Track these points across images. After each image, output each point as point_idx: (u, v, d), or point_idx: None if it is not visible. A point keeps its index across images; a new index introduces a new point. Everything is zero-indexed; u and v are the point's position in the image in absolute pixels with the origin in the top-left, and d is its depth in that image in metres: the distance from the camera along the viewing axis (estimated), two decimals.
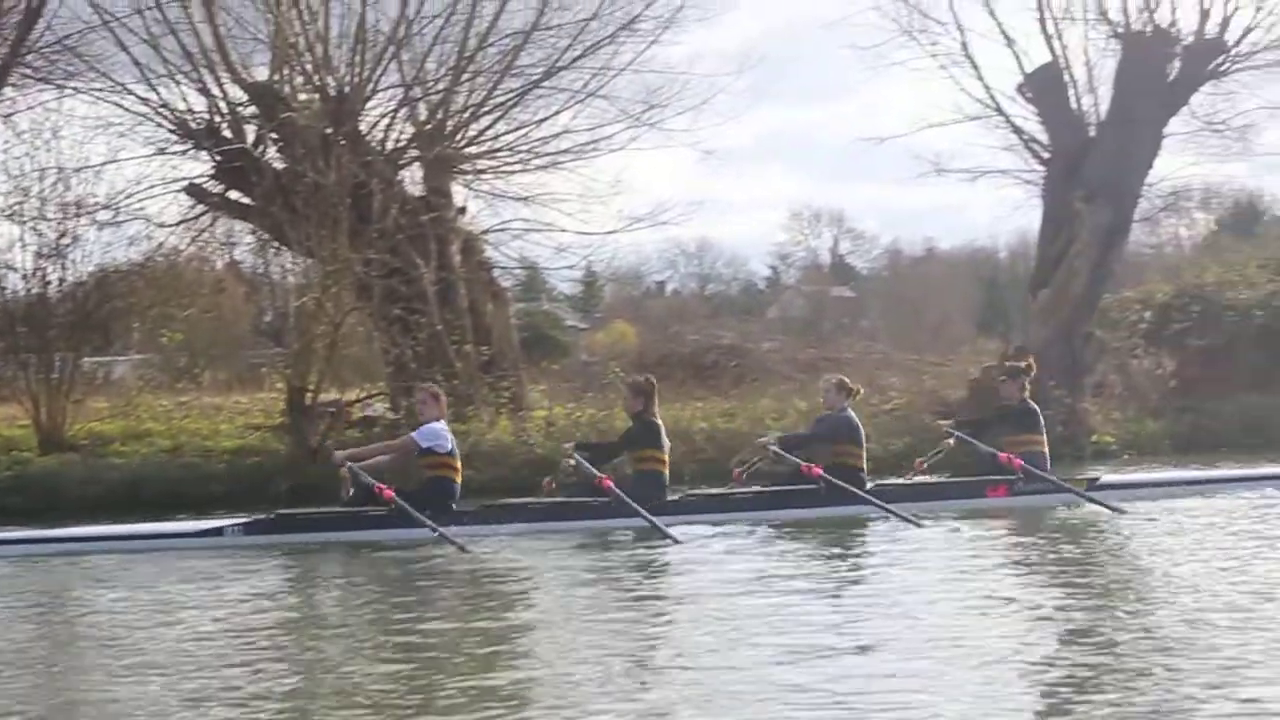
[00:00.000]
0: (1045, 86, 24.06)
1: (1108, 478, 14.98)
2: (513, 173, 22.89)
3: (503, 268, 23.73)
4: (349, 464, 12.61)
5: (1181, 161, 25.52)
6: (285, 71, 20.48)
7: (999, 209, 33.12)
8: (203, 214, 21.21)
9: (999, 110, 24.65)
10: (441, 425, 13.03)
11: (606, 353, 30.08)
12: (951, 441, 14.50)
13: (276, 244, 21.16)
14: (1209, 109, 24.80)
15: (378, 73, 21.28)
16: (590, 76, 22.12)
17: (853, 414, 13.80)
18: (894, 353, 27.40)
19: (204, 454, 18.91)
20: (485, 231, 22.95)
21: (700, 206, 46.35)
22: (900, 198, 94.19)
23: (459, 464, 13.05)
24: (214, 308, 23.54)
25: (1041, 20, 24.19)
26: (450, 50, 21.56)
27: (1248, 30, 23.88)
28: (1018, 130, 24.63)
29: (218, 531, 12.75)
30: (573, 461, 13.17)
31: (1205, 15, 23.76)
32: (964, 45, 24.47)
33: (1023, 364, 15.14)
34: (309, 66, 20.73)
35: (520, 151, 22.68)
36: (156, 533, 13.16)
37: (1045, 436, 14.25)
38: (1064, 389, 21.56)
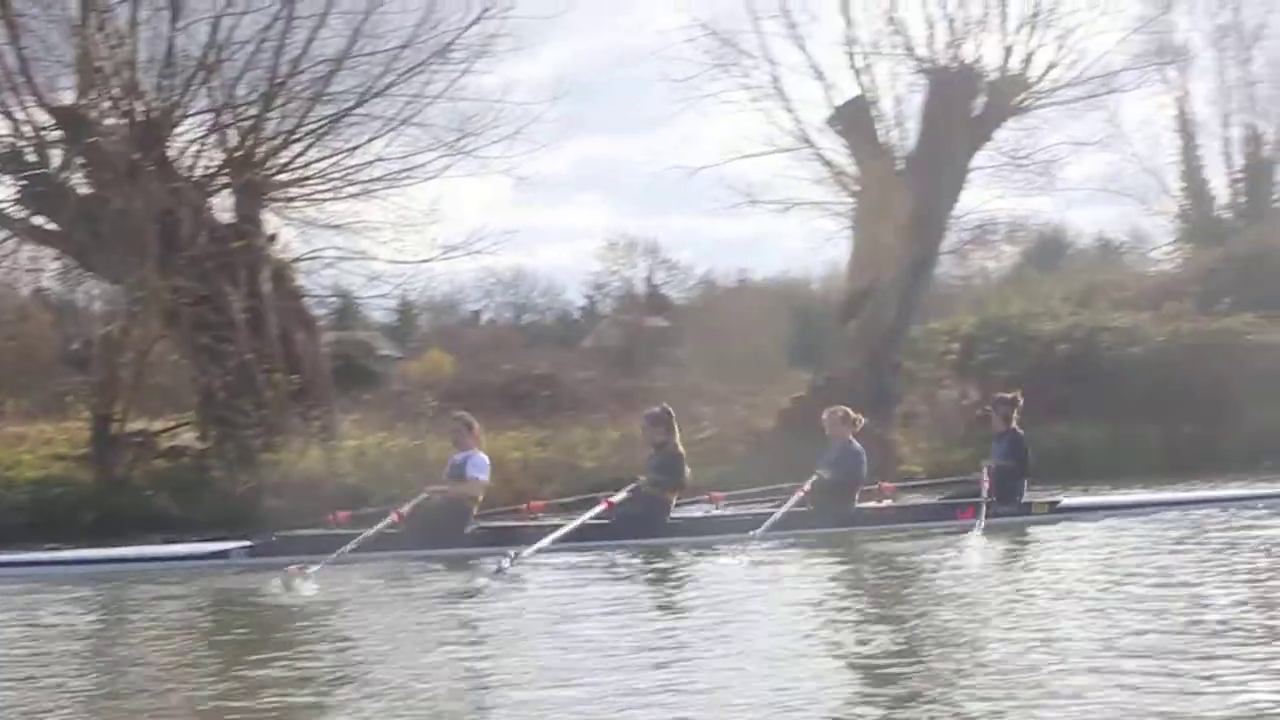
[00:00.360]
0: (854, 120, 24.81)
1: (1069, 500, 15.50)
2: (325, 200, 22.75)
3: (315, 296, 23.71)
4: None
5: (987, 195, 26.50)
6: (92, 95, 20.27)
7: (811, 240, 34.11)
8: (6, 239, 20.84)
9: (809, 143, 25.33)
10: (485, 456, 13.55)
11: (420, 382, 30.21)
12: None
13: (83, 270, 20.92)
14: (1013, 144, 25.78)
15: (187, 98, 21.05)
16: (404, 104, 22.18)
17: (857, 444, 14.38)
18: (706, 383, 28.01)
19: (6, 485, 18.64)
20: (297, 260, 22.85)
21: (516, 235, 46.38)
22: (715, 228, 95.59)
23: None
24: (18, 335, 23.14)
25: (850, 55, 25.01)
26: (261, 76, 21.44)
27: (1050, 67, 25.03)
28: (827, 163, 25.36)
29: (224, 554, 13.11)
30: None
31: (1009, 52, 24.82)
32: (775, 79, 25.23)
33: (1009, 395, 15.72)
34: (116, 91, 20.53)
35: (333, 179, 22.60)
36: (166, 555, 13.57)
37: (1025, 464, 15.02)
38: (872, 419, 22.26)
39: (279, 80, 21.39)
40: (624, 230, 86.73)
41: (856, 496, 14.33)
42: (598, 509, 13.18)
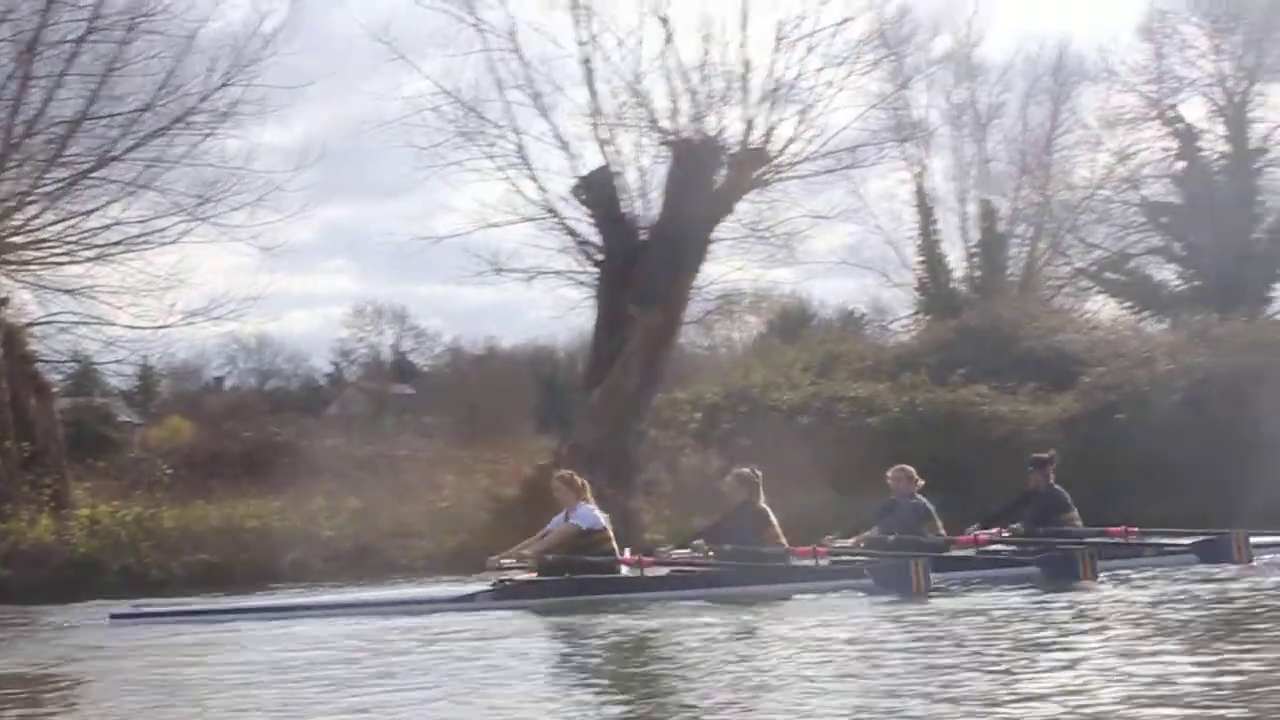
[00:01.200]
0: (598, 190, 25.67)
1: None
2: (60, 264, 22.83)
3: (49, 361, 23.65)
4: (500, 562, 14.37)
5: (730, 266, 27.62)
6: None
7: (556, 309, 35.03)
8: None
9: (554, 212, 26.07)
10: (591, 506, 14.67)
11: (159, 449, 30.08)
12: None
13: None
14: (755, 216, 26.72)
15: None
16: (143, 168, 22.43)
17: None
18: (450, 450, 28.54)
19: None
20: (30, 324, 22.84)
21: (260, 302, 46.36)
22: (463, 296, 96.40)
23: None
24: None
25: (594, 126, 25.92)
26: None
27: (790, 141, 26.02)
28: (572, 232, 26.11)
29: (470, 597, 14.11)
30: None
31: (750, 126, 25.81)
32: (520, 148, 25.92)
33: (1046, 454, 17.04)
34: None
35: (68, 242, 22.64)
36: (416, 599, 14.67)
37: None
38: (616, 487, 23.09)
39: (13, 141, 21.44)
40: (372, 297, 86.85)
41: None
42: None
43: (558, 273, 26.77)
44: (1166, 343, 29.74)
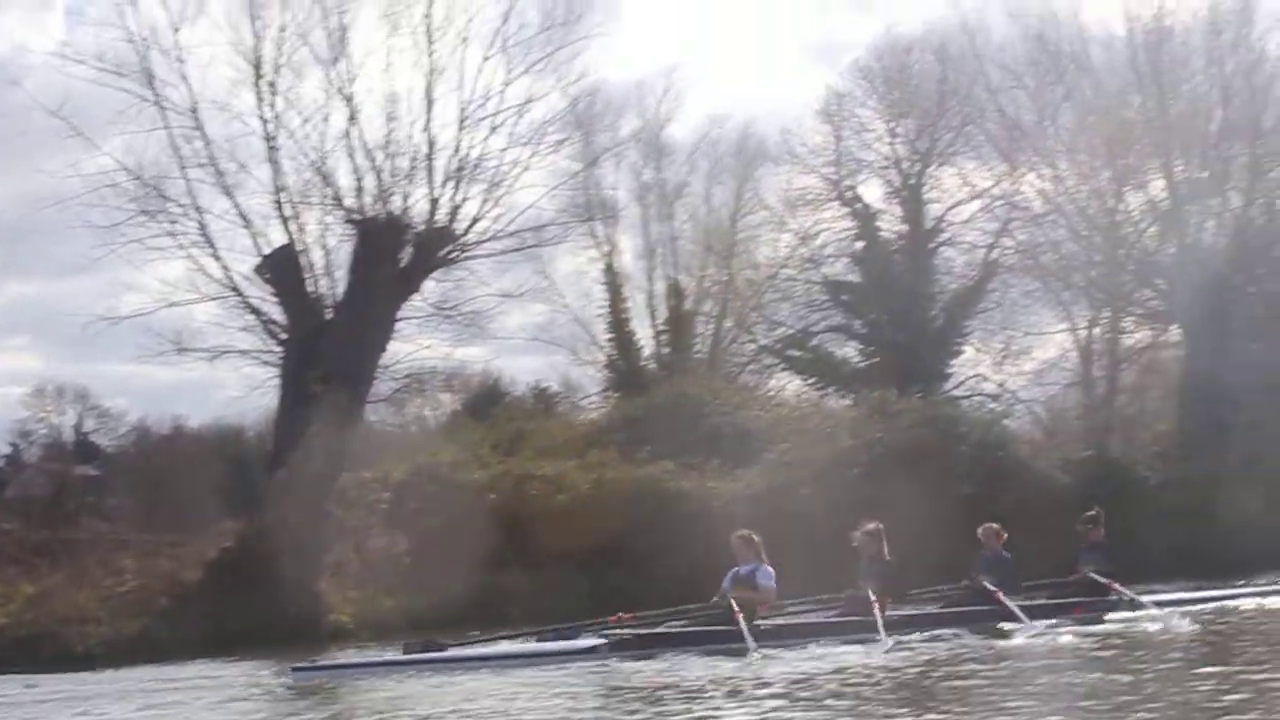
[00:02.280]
0: (282, 269, 26.05)
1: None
2: None
3: None
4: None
5: (417, 344, 28.16)
6: None
7: (243, 388, 34.72)
8: None
9: (238, 291, 26.31)
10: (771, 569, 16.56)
11: None
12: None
13: None
14: (442, 295, 27.55)
15: None
16: None
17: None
18: (133, 533, 28.20)
19: None
20: None
21: None
22: (149, 375, 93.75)
23: None
24: None
25: (278, 204, 26.34)
26: None
27: (475, 220, 26.98)
28: (256, 311, 26.37)
29: (592, 649, 15.34)
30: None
31: (435, 204, 26.62)
32: (202, 226, 26.21)
33: (1093, 512, 19.24)
34: None
35: None
36: (537, 652, 15.76)
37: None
38: (302, 568, 23.34)
39: None
40: (55, 376, 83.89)
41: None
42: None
43: (242, 352, 26.99)
44: (847, 419, 31.50)
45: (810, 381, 42.72)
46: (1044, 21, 34.74)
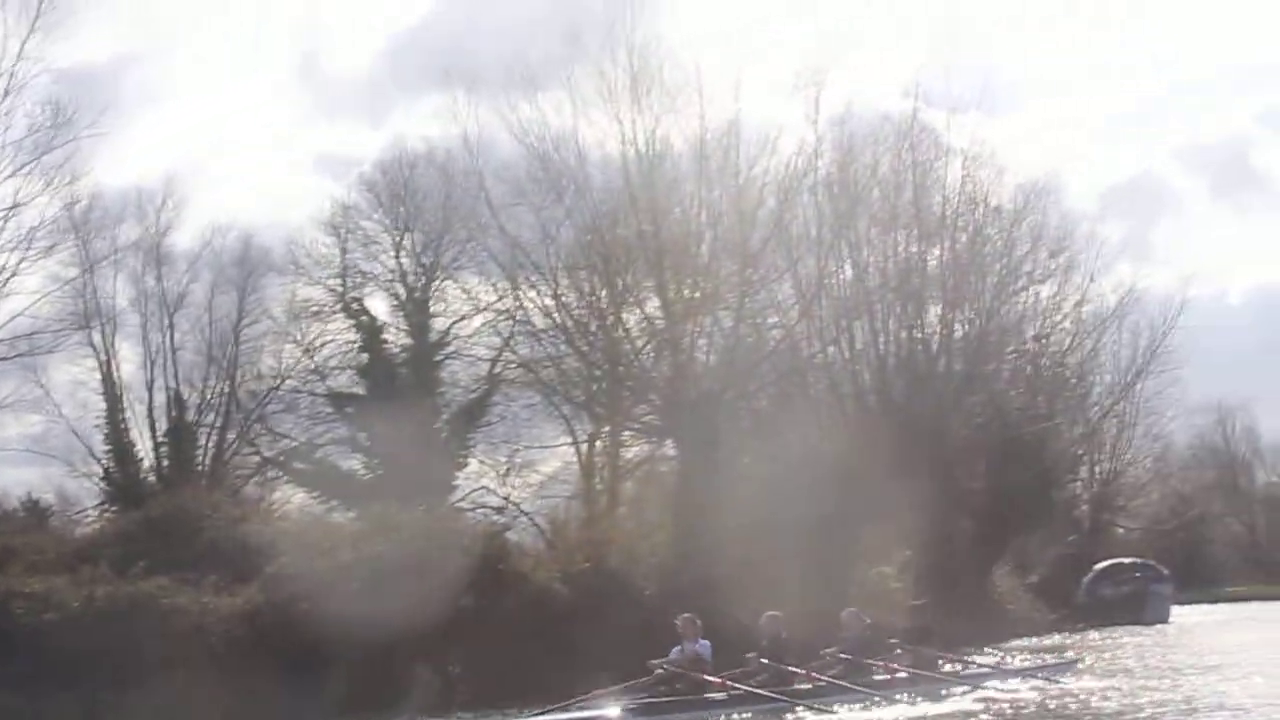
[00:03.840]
0: None
1: None
2: None
3: None
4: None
5: None
6: None
7: None
8: None
9: None
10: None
11: None
12: None
13: None
14: None
15: None
16: None
17: None
18: None
19: None
20: None
21: None
22: None
23: None
24: None
25: None
26: None
27: None
28: None
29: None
30: None
31: None
32: None
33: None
34: None
35: None
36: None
37: None
38: None
39: None
40: None
41: None
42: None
43: None
44: (350, 532, 31.85)
45: (315, 495, 42.90)
46: (545, 141, 36.23)
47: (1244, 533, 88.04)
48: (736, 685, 21.01)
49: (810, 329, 41.76)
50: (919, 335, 45.23)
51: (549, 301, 37.03)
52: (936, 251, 45.78)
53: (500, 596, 29.11)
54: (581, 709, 20.12)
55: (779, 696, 20.72)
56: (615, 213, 37.35)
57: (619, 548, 36.00)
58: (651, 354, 38.51)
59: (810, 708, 20.58)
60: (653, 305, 37.86)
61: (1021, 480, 47.70)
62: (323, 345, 43.64)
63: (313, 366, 43.56)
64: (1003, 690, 22.98)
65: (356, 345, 43.73)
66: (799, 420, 40.17)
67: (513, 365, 41.06)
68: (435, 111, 38.13)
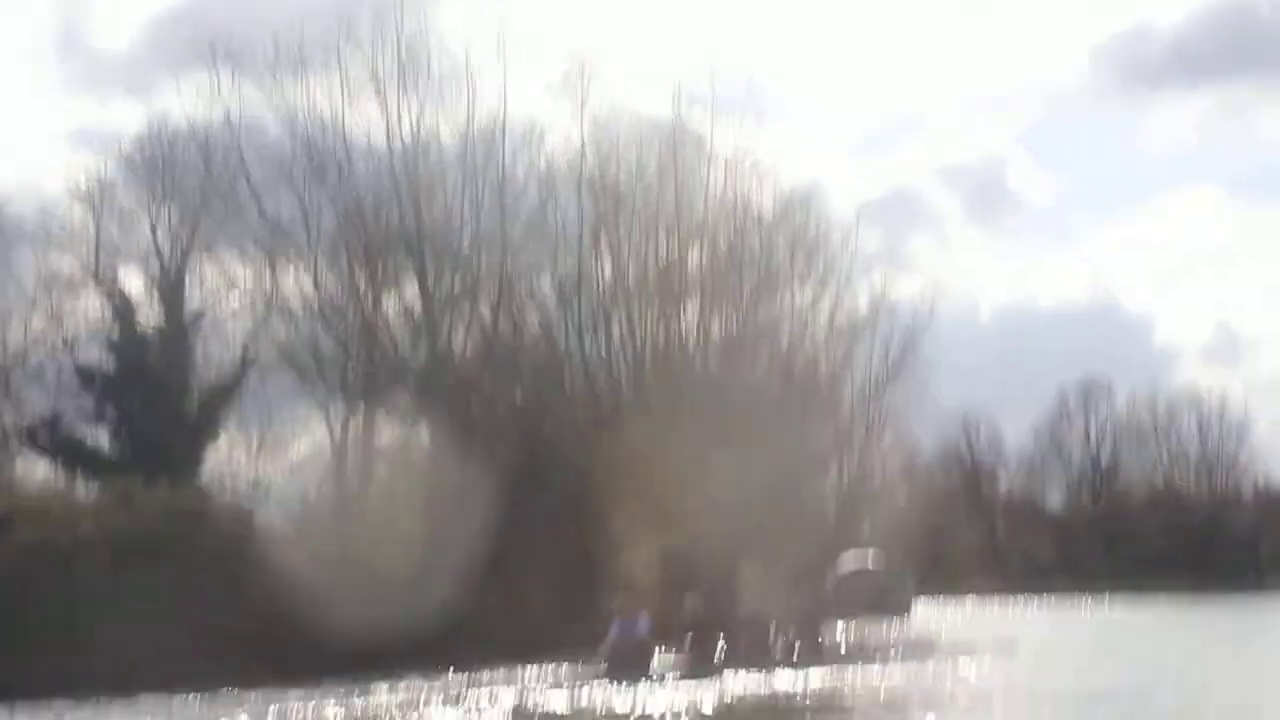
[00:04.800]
0: None
1: None
2: None
3: None
4: None
5: None
6: None
7: None
8: None
9: None
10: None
11: None
12: None
13: None
14: None
15: None
16: None
17: None
18: None
19: None
20: None
21: None
22: None
23: None
24: None
25: None
26: None
27: None
28: None
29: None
30: None
31: None
32: None
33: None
34: None
35: None
36: None
37: None
38: None
39: None
40: None
41: None
42: None
43: None
44: (90, 507, 31.86)
45: (59, 468, 42.38)
46: (310, 125, 36.53)
47: (984, 537, 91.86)
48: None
49: (568, 323, 42.76)
50: (677, 334, 46.51)
51: (307, 284, 37.36)
52: (696, 253, 47.09)
53: (247, 575, 29.40)
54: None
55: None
56: (378, 200, 37.85)
57: (369, 531, 36.50)
58: (409, 341, 39.09)
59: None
60: (412, 293, 38.46)
61: (774, 478, 49.18)
62: (73, 317, 43.10)
63: (62, 339, 42.99)
64: None
65: (108, 319, 43.28)
66: (554, 410, 41.05)
67: (268, 346, 41.16)
68: (199, 89, 37.73)
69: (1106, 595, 72.55)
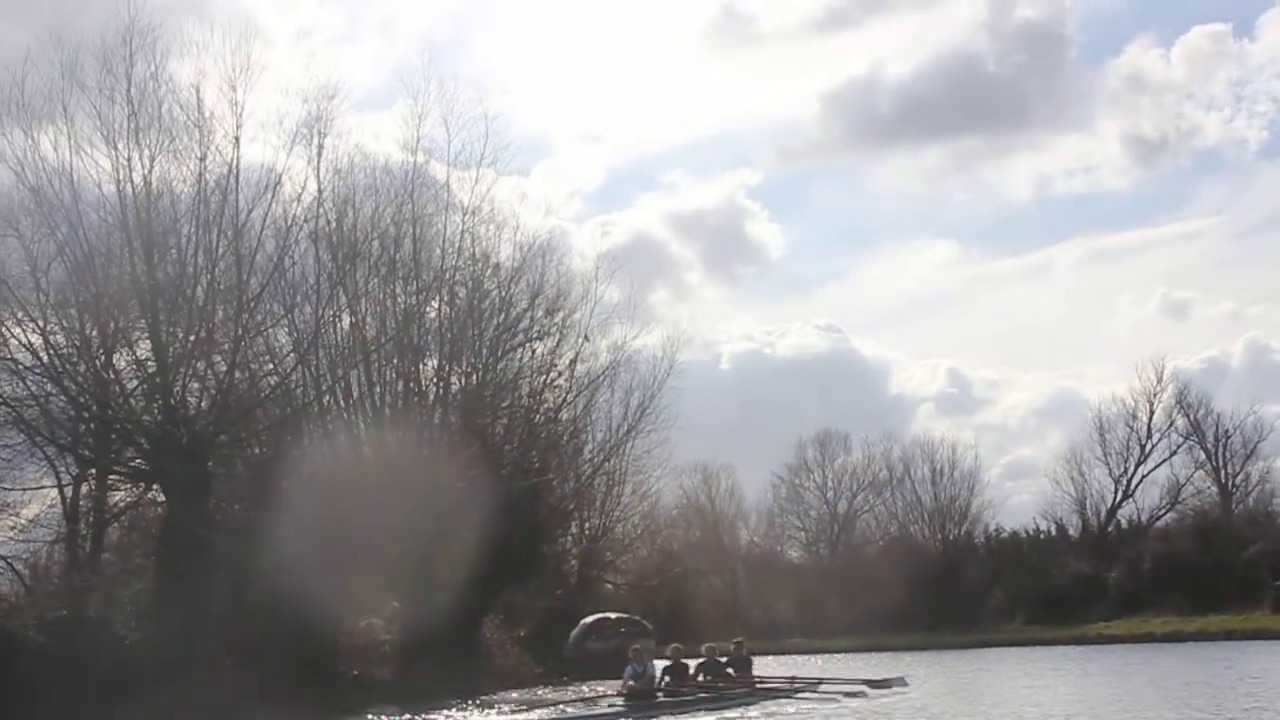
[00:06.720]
0: None
1: None
2: None
3: None
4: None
5: None
6: None
7: None
8: None
9: None
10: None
11: None
12: None
13: None
14: None
15: None
16: None
17: None
18: None
19: None
20: None
21: None
22: None
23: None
24: None
25: None
26: None
27: None
28: None
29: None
30: None
31: None
32: None
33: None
34: None
35: None
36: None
37: None
38: None
39: None
40: None
41: None
42: None
43: None
44: None
45: None
46: (39, 174, 36.03)
47: (726, 589, 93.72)
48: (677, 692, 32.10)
49: (306, 377, 42.98)
50: (416, 387, 47.09)
51: (36, 339, 36.82)
52: (435, 304, 47.82)
53: None
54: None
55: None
56: (109, 251, 37.48)
57: (100, 594, 36.21)
58: (142, 397, 38.82)
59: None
60: (145, 348, 38.23)
61: (513, 534, 49.85)
62: None
63: None
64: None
65: None
66: (294, 469, 41.15)
67: None
68: None
69: (842, 650, 73.83)
